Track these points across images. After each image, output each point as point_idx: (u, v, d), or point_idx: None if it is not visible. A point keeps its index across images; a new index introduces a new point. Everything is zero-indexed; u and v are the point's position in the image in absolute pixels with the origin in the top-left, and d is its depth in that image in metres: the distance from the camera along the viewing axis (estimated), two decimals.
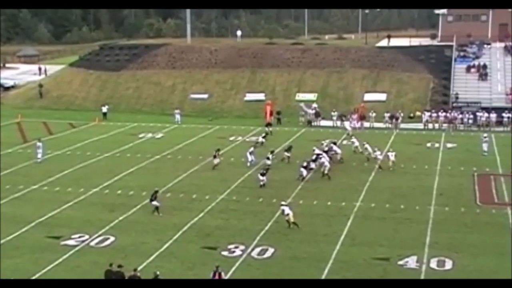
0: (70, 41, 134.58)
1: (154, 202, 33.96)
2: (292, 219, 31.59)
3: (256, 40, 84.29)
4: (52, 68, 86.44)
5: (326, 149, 45.09)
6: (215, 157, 43.78)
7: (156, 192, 34.75)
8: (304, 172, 40.64)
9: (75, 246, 29.39)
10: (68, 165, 44.29)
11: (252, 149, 44.93)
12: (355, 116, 58.87)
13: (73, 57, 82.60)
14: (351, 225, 32.10)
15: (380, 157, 43.45)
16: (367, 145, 45.58)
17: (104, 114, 64.59)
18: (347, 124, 56.16)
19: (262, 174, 39.12)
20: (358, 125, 58.33)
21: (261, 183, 38.73)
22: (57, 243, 29.82)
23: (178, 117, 61.67)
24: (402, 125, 58.17)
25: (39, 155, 45.67)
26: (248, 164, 43.72)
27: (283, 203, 33.08)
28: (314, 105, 62.09)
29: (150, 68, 74.71)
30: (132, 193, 37.49)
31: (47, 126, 59.27)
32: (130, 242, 29.90)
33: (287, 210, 31.98)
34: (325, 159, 42.07)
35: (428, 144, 51.15)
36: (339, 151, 45.49)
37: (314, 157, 43.08)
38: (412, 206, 34.86)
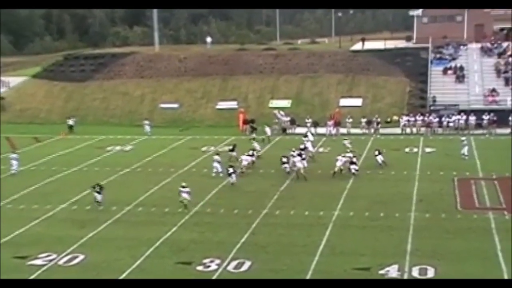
0: (32, 51, 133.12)
1: (98, 195, 36.89)
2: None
3: (227, 47, 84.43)
4: (14, 80, 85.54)
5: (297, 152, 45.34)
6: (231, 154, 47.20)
7: (101, 186, 37.37)
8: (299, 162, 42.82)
9: (42, 266, 29.08)
10: (34, 181, 43.89)
11: (217, 157, 44.99)
12: (330, 122, 59.18)
13: (36, 68, 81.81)
14: (330, 234, 32.19)
15: (340, 163, 43.48)
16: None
17: (70, 127, 64.13)
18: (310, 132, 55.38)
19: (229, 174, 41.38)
20: (334, 131, 58.63)
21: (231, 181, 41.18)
22: (23, 263, 29.49)
23: (147, 128, 61.47)
24: (380, 130, 58.56)
25: (14, 167, 46.58)
26: (213, 174, 43.93)
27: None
28: (281, 113, 62.08)
29: (117, 78, 74.44)
30: (101, 208, 37.24)
31: (10, 141, 58.66)
32: (101, 259, 29.67)
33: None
34: (296, 159, 42.70)
35: (407, 149, 51.52)
36: (311, 148, 47.59)
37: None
38: (392, 213, 35.06)
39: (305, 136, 51.96)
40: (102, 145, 56.70)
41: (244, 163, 45.09)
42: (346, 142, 50.30)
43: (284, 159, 44.23)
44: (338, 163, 43.35)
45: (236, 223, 34.09)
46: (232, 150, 48.68)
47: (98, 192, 37.88)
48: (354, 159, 43.98)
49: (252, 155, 46.51)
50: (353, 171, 43.02)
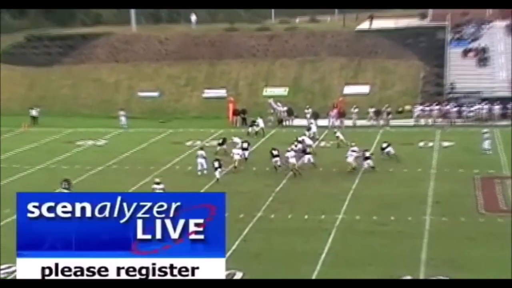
0: None
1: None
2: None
3: (214, 26, 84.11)
4: None
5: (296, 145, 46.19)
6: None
7: (69, 182, 37.77)
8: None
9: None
10: None
11: (201, 152, 45.04)
12: (333, 113, 59.19)
13: None
14: (333, 241, 32.23)
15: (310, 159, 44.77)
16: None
17: (34, 118, 64.01)
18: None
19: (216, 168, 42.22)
20: (337, 123, 58.66)
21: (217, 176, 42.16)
22: None
23: (123, 120, 61.37)
24: (390, 122, 58.73)
25: None
26: (199, 172, 44.03)
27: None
28: (278, 103, 62.12)
29: (88, 62, 74.28)
30: None
31: None
32: None
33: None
34: (290, 154, 43.31)
35: (421, 144, 51.65)
36: (309, 141, 48.08)
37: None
38: (404, 217, 35.12)
39: (309, 129, 52.23)
40: (71, 139, 56.62)
41: (236, 157, 45.25)
42: (338, 134, 51.38)
43: (275, 152, 44.62)
44: (350, 159, 43.50)
45: (227, 229, 33.99)
46: (221, 144, 49.04)
47: (67, 189, 38.17)
48: (367, 153, 44.30)
49: (246, 149, 46.62)
50: (365, 166, 43.27)
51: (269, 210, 36.95)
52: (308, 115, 59.04)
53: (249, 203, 37.92)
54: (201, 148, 46.18)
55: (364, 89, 65.79)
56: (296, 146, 46.16)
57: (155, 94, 69.42)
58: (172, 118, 65.05)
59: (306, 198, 38.84)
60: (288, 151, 44.06)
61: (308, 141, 48.47)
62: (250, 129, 56.31)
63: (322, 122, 58.78)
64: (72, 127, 61.44)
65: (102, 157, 49.78)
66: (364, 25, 76.70)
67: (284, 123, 60.35)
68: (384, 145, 46.51)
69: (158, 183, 37.61)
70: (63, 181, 38.60)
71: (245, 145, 47.36)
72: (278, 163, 44.15)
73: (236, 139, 49.05)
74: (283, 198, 38.99)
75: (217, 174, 42.45)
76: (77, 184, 42.22)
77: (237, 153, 45.65)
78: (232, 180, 42.78)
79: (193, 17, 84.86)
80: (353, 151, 44.25)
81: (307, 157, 44.89)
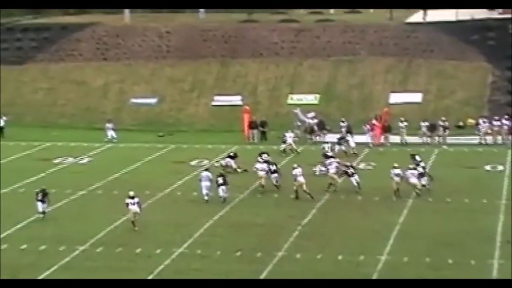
0: None
1: (41, 204, 40.39)
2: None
3: (227, 17, 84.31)
4: None
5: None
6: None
7: (45, 192, 40.78)
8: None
9: None
10: None
11: (207, 173, 45.09)
12: (374, 125, 58.69)
13: None
14: None
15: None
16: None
17: (0, 129, 64.30)
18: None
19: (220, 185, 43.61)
20: (381, 139, 58.45)
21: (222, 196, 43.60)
22: None
23: (111, 133, 61.47)
24: (448, 139, 58.46)
25: None
26: (206, 197, 44.18)
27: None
28: (312, 113, 62.13)
29: (69, 60, 74.68)
30: (43, 248, 37.17)
31: None
32: None
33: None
34: (297, 171, 44.40)
35: (487, 167, 51.41)
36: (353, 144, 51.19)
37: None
38: (465, 260, 34.87)
39: (339, 143, 54.16)
40: (46, 155, 56.82)
41: (261, 173, 45.75)
42: (326, 146, 53.08)
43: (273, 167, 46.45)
44: (396, 179, 44.02)
45: (238, 271, 33.95)
46: (232, 158, 50.77)
47: (42, 201, 39.00)
48: (420, 168, 44.92)
49: (275, 172, 46.83)
50: (419, 186, 43.83)
51: (294, 248, 36.76)
52: (344, 129, 58.82)
53: (268, 239, 37.82)
54: (207, 169, 46.19)
55: (416, 97, 65.72)
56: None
57: (153, 100, 69.58)
58: (174, 131, 65.16)
59: (340, 234, 38.67)
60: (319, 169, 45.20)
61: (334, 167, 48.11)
62: (283, 146, 56.64)
63: (361, 138, 58.65)
64: (48, 140, 61.69)
65: (84, 179, 49.82)
66: (417, 17, 76.46)
67: (313, 138, 60.10)
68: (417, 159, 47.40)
69: (132, 197, 39.08)
70: (39, 191, 40.21)
71: (273, 167, 47.16)
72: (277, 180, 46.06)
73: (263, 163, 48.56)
74: (311, 234, 38.83)
75: (221, 192, 43.18)
76: (54, 214, 42.35)
77: (261, 169, 46.01)
78: (246, 208, 42.78)
79: None
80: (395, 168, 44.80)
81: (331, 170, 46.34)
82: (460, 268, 34.03)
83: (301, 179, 44.12)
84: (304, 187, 43.94)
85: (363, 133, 58.98)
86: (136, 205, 39.31)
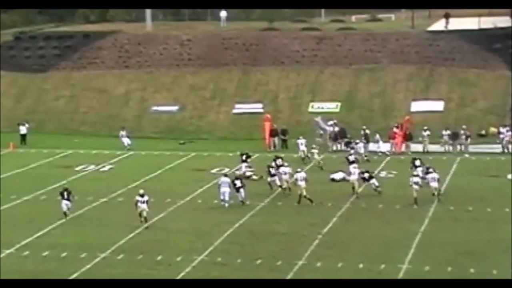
0: None
1: (65, 203, 41.57)
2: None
3: (249, 25, 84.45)
4: None
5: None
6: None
7: (69, 191, 41.76)
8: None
9: None
10: None
11: (225, 179, 45.25)
12: (396, 134, 58.56)
13: None
14: None
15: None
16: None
17: (23, 136, 64.51)
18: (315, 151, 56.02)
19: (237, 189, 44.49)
20: (403, 148, 58.33)
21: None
22: None
23: (126, 140, 61.63)
24: (470, 148, 58.25)
25: None
26: (222, 202, 44.51)
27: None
28: (331, 121, 62.05)
29: (91, 67, 74.89)
30: (65, 255, 37.24)
31: None
32: None
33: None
34: (301, 174, 44.86)
35: (510, 176, 51.10)
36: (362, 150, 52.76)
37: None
38: (486, 270, 34.60)
39: (352, 147, 55.62)
40: (68, 163, 56.98)
41: (285, 177, 46.48)
42: (314, 151, 54.06)
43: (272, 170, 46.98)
44: (415, 187, 44.18)
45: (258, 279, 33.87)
46: (244, 161, 52.17)
47: (67, 199, 39.63)
48: (436, 174, 44.76)
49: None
50: (434, 191, 44.26)
51: (314, 256, 36.63)
52: (363, 138, 58.64)
53: (288, 247, 37.72)
54: (226, 175, 46.28)
55: (437, 105, 65.49)
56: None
57: (174, 108, 69.66)
58: (195, 138, 65.24)
59: (361, 242, 38.51)
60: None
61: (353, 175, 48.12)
62: (301, 153, 56.69)
63: (385, 146, 58.71)
64: (70, 148, 61.85)
65: (106, 186, 49.95)
66: (439, 25, 76.40)
67: (333, 147, 59.97)
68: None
69: (142, 195, 40.56)
70: (63, 190, 41.14)
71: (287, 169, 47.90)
72: (276, 181, 46.71)
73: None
74: (332, 242, 38.70)
75: (240, 196, 44.09)
76: (73, 221, 42.45)
77: (284, 172, 46.59)
78: (267, 216, 42.71)
79: (223, 13, 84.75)
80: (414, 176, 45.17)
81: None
82: (482, 278, 33.85)
83: (302, 183, 44.47)
84: (304, 192, 44.36)
85: (384, 141, 58.88)
86: (145, 204, 40.72)
